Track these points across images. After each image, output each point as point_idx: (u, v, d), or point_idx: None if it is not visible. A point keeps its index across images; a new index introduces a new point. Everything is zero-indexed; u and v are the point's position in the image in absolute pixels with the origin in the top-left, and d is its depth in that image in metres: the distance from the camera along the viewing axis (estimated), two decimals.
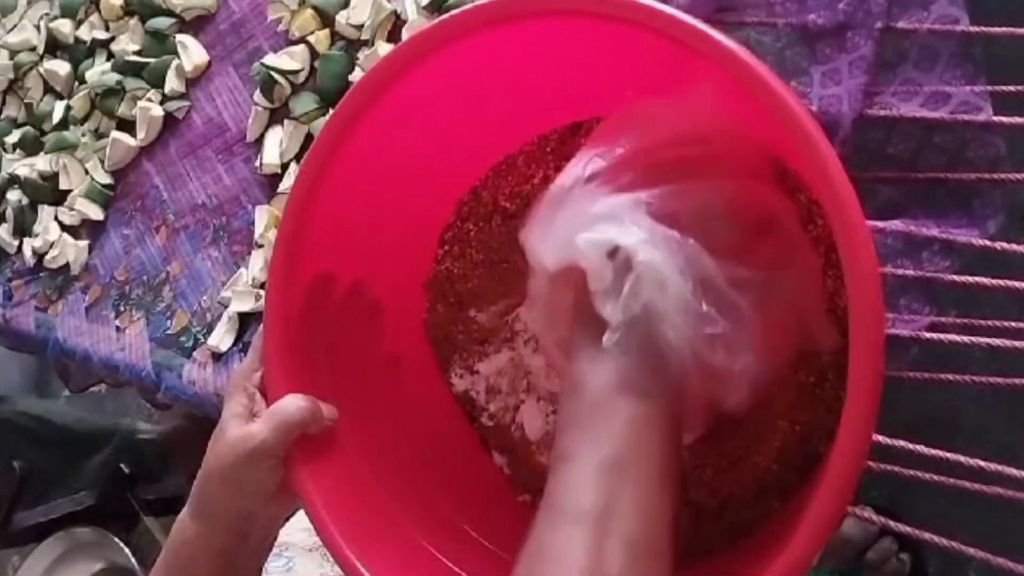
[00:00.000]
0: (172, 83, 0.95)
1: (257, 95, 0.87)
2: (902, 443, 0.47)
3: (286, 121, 0.84)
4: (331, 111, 0.80)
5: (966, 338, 0.46)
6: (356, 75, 0.80)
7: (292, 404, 0.48)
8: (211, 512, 0.49)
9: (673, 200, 0.42)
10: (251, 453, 0.47)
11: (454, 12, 0.49)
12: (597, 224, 0.41)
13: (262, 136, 0.87)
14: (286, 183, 0.82)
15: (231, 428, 0.48)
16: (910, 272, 0.48)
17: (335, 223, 0.52)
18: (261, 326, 0.52)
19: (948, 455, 0.47)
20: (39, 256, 1.01)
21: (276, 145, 0.84)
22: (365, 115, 0.51)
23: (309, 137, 0.82)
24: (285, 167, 0.83)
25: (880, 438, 0.49)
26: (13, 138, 1.09)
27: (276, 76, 0.84)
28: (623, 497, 0.38)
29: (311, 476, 0.48)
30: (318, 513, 0.47)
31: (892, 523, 0.51)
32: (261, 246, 0.82)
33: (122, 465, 1.11)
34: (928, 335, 0.46)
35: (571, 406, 0.41)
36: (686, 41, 0.41)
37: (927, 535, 0.48)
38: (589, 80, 0.53)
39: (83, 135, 1.02)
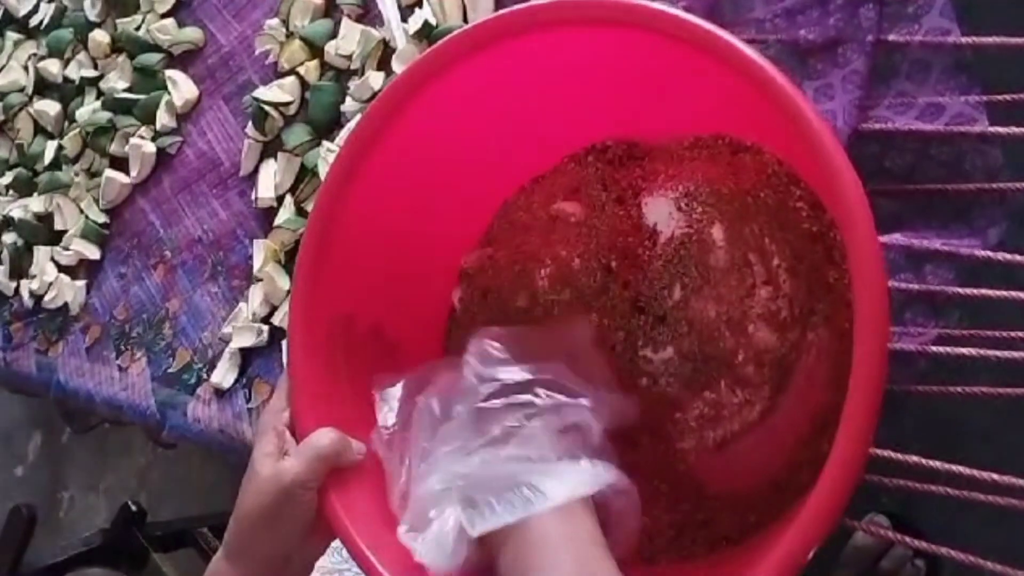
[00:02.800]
0: (163, 119, 0.95)
1: (249, 128, 0.87)
2: (914, 459, 0.47)
3: (279, 154, 0.84)
4: (324, 143, 0.80)
5: (973, 351, 0.46)
6: (348, 105, 0.80)
7: (324, 437, 0.49)
8: (247, 553, 0.49)
9: None
10: (287, 487, 0.47)
11: (458, 33, 0.50)
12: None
13: (256, 169, 0.87)
14: (282, 216, 0.82)
15: (264, 467, 0.48)
16: (914, 286, 0.48)
17: (350, 267, 0.53)
18: (284, 369, 0.53)
19: (960, 469, 0.46)
20: (37, 298, 1.01)
21: (270, 178, 0.84)
22: (371, 153, 0.52)
23: (303, 169, 0.82)
24: (280, 200, 0.83)
25: (889, 453, 0.49)
26: (6, 180, 1.09)
27: (267, 109, 0.84)
28: None
29: (342, 504, 0.48)
30: (352, 539, 0.47)
31: (907, 539, 0.51)
32: (260, 280, 0.81)
33: (129, 502, 1.10)
34: (936, 349, 0.46)
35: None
36: (712, 51, 0.42)
37: (943, 550, 0.48)
38: (599, 106, 0.54)
39: (76, 174, 1.02)
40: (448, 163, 0.55)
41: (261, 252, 0.82)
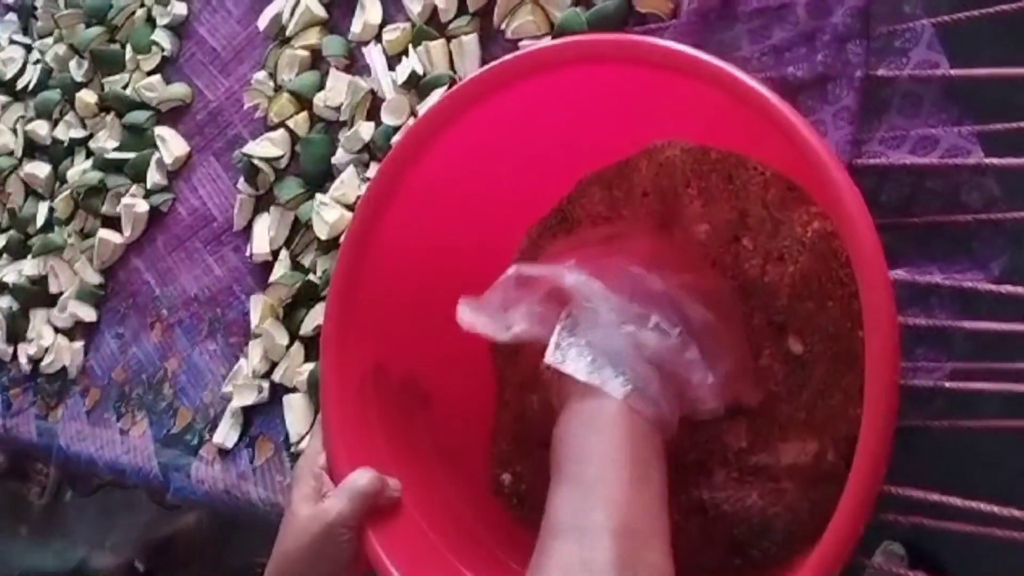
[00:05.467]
0: (154, 177, 0.95)
1: (241, 183, 0.87)
2: (935, 496, 0.46)
3: (272, 208, 0.84)
4: (317, 196, 0.80)
5: (987, 385, 0.45)
6: (339, 156, 0.80)
7: (362, 477, 0.50)
8: None
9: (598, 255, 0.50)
10: (329, 526, 0.48)
11: (472, 78, 0.51)
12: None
13: (249, 224, 0.86)
14: (278, 271, 0.81)
15: (304, 508, 0.50)
16: (922, 321, 0.48)
17: (378, 316, 0.54)
18: (319, 414, 0.55)
19: (980, 505, 0.46)
20: (34, 362, 1.00)
21: (265, 233, 0.84)
22: (391, 203, 0.53)
23: (297, 223, 0.82)
24: (276, 254, 0.83)
25: (902, 490, 0.48)
26: None
27: (258, 164, 0.84)
28: (595, 502, 0.41)
29: (381, 543, 0.49)
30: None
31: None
32: (258, 336, 0.81)
33: (137, 563, 1.09)
34: (950, 385, 0.46)
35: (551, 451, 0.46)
36: (752, 106, 0.43)
37: None
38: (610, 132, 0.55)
39: (69, 236, 1.01)
40: (468, 205, 0.56)
41: (258, 308, 0.81)
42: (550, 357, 0.46)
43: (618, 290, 0.47)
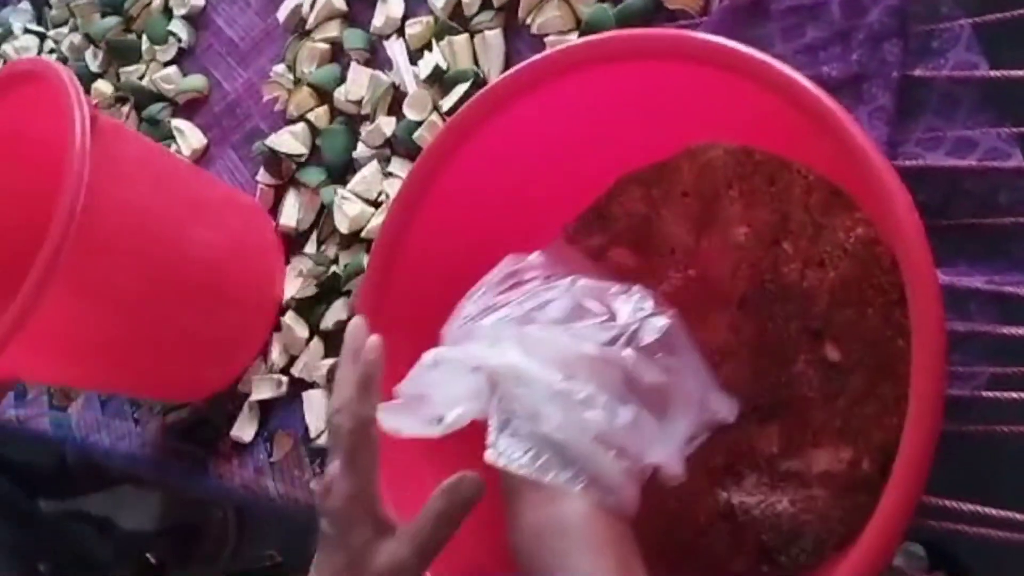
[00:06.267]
0: None
1: (261, 174, 0.86)
2: (968, 506, 0.46)
3: (298, 190, 0.83)
4: (339, 189, 0.79)
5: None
6: (360, 151, 0.80)
7: (430, 524, 0.42)
8: None
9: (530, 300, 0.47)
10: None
11: (512, 73, 0.50)
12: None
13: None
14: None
15: (375, 558, 0.42)
16: (960, 327, 0.47)
17: (410, 318, 0.53)
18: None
19: (1013, 515, 0.46)
20: None
21: (292, 209, 0.83)
22: (426, 199, 0.53)
23: (321, 207, 0.81)
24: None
25: (927, 498, 0.48)
26: None
27: (280, 155, 0.84)
28: None
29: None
30: None
31: None
32: (278, 330, 0.80)
33: (149, 556, 1.09)
34: (987, 394, 0.45)
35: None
36: (802, 106, 0.42)
37: None
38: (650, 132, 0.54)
39: None
40: (504, 202, 0.55)
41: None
42: (489, 457, 0.43)
43: (553, 363, 0.44)
